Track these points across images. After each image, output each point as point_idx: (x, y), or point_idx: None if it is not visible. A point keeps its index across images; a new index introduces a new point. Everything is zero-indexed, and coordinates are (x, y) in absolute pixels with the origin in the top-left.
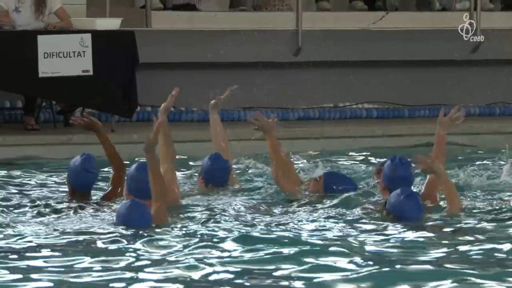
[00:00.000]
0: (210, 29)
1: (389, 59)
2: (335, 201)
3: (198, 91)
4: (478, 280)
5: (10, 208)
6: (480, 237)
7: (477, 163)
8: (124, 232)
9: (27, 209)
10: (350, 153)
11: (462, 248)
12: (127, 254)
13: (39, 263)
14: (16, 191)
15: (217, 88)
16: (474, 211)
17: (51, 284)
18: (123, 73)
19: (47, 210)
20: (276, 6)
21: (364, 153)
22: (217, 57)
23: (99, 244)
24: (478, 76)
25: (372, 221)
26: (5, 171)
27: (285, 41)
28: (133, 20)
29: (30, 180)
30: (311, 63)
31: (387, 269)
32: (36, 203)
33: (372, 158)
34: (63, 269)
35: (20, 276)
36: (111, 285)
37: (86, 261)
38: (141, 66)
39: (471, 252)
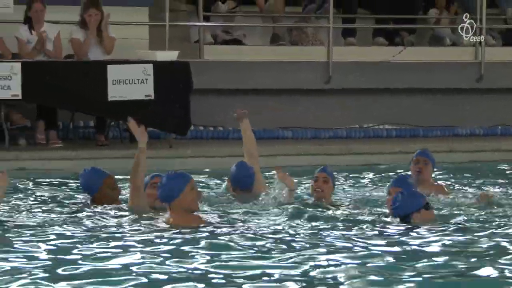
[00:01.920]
0: (253, 61)
1: (406, 87)
2: (345, 209)
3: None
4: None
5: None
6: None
7: (481, 179)
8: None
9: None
10: (373, 167)
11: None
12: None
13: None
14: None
15: (260, 111)
16: (476, 218)
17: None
18: (179, 97)
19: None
20: (310, 41)
21: (384, 167)
22: (259, 84)
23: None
24: (482, 102)
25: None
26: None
27: (317, 71)
28: (188, 53)
29: None
30: (340, 90)
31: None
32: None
33: (391, 172)
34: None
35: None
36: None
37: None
38: (194, 91)
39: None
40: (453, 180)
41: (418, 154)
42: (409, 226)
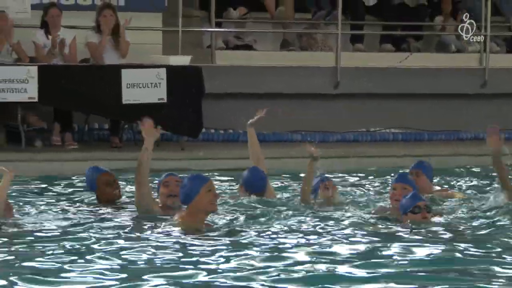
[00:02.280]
0: (264, 66)
1: (412, 92)
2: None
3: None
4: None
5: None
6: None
7: (484, 181)
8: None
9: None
10: (379, 170)
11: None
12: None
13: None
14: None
15: (270, 114)
16: (481, 219)
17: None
18: (191, 101)
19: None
20: (319, 47)
21: (390, 169)
22: (269, 89)
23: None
24: (486, 106)
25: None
26: None
27: (326, 76)
28: (200, 58)
29: None
30: (347, 95)
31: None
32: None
33: (396, 175)
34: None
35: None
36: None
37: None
38: (206, 95)
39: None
40: (457, 183)
41: (410, 168)
42: (408, 228)
